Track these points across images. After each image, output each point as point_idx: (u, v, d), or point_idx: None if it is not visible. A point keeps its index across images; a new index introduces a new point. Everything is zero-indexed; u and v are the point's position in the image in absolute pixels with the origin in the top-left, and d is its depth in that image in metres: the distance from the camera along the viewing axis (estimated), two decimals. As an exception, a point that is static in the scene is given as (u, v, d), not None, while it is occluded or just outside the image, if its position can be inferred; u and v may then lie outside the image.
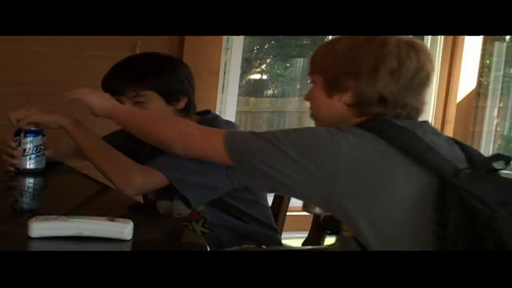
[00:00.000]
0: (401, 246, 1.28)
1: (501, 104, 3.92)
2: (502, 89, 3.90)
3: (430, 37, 3.46)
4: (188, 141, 1.48)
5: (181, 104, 1.83)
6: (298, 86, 3.86)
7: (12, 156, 1.78)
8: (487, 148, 3.80)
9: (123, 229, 1.18)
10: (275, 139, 1.34)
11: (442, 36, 3.36)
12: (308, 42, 3.79)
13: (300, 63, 3.90)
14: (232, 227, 1.89)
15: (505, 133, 4.08)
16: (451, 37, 3.39)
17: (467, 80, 3.42)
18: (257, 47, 3.82)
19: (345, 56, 1.41)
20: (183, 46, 2.82)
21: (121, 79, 1.80)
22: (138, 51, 2.70)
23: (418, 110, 1.42)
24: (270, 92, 3.89)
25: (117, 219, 1.20)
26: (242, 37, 3.10)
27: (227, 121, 1.91)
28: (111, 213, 1.24)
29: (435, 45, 3.43)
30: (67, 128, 1.73)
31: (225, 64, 3.07)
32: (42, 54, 2.65)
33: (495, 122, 3.91)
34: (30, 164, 1.78)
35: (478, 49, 3.43)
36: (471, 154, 1.36)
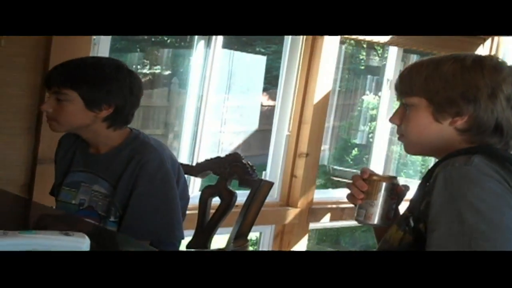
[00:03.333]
0: None
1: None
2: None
3: (289, 38, 3.57)
4: None
5: (104, 113, 1.83)
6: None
7: None
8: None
9: (81, 244, 1.11)
10: None
11: (303, 38, 3.48)
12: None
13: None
14: None
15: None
16: (310, 38, 3.52)
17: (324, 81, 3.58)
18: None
19: (458, 80, 1.37)
20: (51, 40, 2.68)
21: (54, 73, 1.83)
22: (2, 44, 2.55)
23: None
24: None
25: (71, 233, 1.13)
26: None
27: (156, 141, 1.96)
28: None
29: (296, 46, 3.55)
30: None
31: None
32: None
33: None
34: None
35: (335, 49, 3.59)
36: None
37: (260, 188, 2.11)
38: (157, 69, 4.90)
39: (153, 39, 5.31)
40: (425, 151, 1.50)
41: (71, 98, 1.81)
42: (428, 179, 1.37)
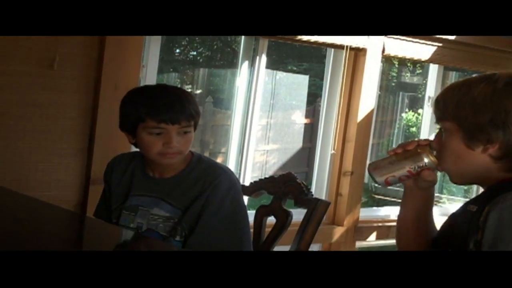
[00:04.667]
0: None
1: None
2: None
3: (332, 55, 3.59)
4: None
5: None
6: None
7: None
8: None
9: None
10: None
11: (345, 55, 3.49)
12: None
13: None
14: None
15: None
16: (352, 55, 3.53)
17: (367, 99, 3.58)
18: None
19: (487, 105, 1.31)
20: (102, 63, 2.73)
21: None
22: (56, 67, 2.60)
23: None
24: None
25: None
26: (157, 54, 3.04)
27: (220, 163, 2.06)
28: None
29: (339, 64, 3.56)
30: None
31: (140, 82, 3.00)
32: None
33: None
34: None
35: (377, 67, 3.59)
36: None
37: (317, 208, 2.10)
38: (188, 88, 4.96)
39: (189, 58, 5.37)
40: (465, 179, 1.43)
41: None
42: (474, 213, 1.32)
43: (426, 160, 1.44)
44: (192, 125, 1.91)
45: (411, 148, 1.45)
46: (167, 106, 1.85)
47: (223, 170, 1.95)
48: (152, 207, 1.94)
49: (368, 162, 3.90)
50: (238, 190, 1.95)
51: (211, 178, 1.89)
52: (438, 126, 1.45)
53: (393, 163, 1.49)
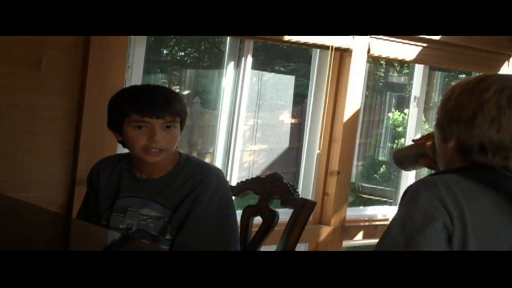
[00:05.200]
0: None
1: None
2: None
3: (317, 55, 3.60)
4: None
5: None
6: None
7: None
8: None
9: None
10: None
11: (331, 55, 3.50)
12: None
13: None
14: None
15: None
16: (338, 56, 3.54)
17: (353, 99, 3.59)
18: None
19: (453, 103, 1.43)
20: (86, 65, 2.72)
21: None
22: (43, 69, 2.60)
23: None
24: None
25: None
26: (143, 55, 3.04)
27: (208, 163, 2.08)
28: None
29: (324, 64, 3.57)
30: None
31: (125, 83, 2.99)
32: None
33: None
34: None
35: (363, 67, 3.61)
36: None
37: (303, 207, 2.11)
38: (176, 89, 4.95)
39: (176, 59, 5.36)
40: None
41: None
42: None
43: (420, 147, 1.70)
44: (177, 121, 1.92)
45: (424, 137, 1.69)
46: (151, 100, 1.89)
47: (212, 170, 1.98)
48: (141, 208, 1.96)
49: (355, 162, 3.93)
50: (227, 189, 1.98)
51: (201, 177, 1.92)
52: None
53: (410, 148, 1.78)
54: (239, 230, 2.09)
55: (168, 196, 1.93)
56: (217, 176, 1.96)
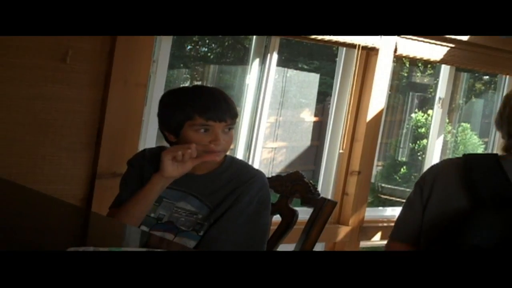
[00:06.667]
0: None
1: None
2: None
3: (343, 54, 3.58)
4: None
5: None
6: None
7: None
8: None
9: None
10: None
11: (357, 54, 3.48)
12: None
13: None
14: None
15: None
16: (364, 54, 3.52)
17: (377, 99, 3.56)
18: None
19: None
20: (112, 58, 2.72)
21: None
22: (68, 61, 2.60)
23: None
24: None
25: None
26: (168, 49, 3.03)
27: None
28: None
29: (350, 63, 3.55)
30: None
31: (150, 77, 2.99)
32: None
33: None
34: None
35: (389, 67, 3.58)
36: None
37: (324, 207, 2.10)
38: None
39: (200, 55, 5.37)
40: None
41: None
42: None
43: None
44: (234, 123, 1.98)
45: None
46: (215, 104, 1.92)
47: (257, 171, 2.04)
48: (178, 201, 1.98)
49: (375, 162, 3.90)
50: (267, 193, 2.02)
51: (246, 177, 1.97)
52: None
53: None
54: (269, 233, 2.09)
55: (210, 193, 1.97)
56: (261, 178, 2.01)
